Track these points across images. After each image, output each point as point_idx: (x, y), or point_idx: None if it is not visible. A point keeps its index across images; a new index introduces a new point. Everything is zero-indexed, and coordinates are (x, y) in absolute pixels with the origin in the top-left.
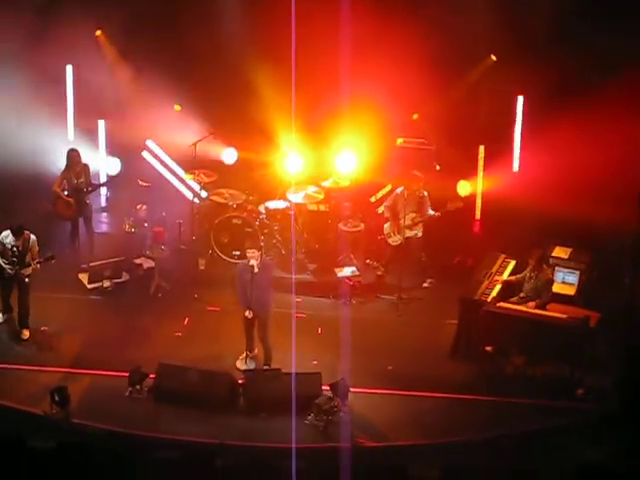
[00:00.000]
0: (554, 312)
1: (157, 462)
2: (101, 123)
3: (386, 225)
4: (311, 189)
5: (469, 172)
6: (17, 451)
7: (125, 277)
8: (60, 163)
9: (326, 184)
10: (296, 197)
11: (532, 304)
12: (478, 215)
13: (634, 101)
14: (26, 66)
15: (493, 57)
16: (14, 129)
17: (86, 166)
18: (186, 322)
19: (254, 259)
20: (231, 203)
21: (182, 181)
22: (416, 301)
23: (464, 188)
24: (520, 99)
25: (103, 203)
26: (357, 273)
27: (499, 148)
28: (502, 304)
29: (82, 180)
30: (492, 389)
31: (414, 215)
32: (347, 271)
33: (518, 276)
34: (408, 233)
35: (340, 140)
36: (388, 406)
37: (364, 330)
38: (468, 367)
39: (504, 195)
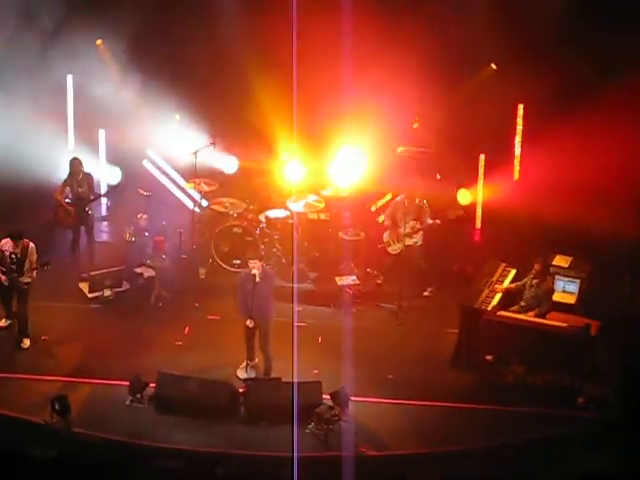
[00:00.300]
0: (554, 321)
1: (157, 471)
2: (101, 132)
3: (386, 234)
4: (311, 198)
5: (469, 180)
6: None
7: (126, 286)
8: (60, 172)
9: (326, 193)
10: (296, 206)
11: (532, 313)
12: (478, 224)
13: (634, 107)
14: (27, 75)
15: (493, 65)
16: (14, 138)
17: (89, 175)
18: (187, 331)
19: (256, 269)
20: (231, 212)
21: (183, 190)
22: (416, 310)
23: (464, 196)
24: (520, 107)
25: (104, 212)
26: (357, 282)
27: (499, 156)
28: (503, 313)
29: (84, 189)
30: (493, 398)
31: (414, 223)
32: (347, 280)
33: (518, 284)
34: (408, 241)
35: (340, 148)
36: (389, 415)
37: (365, 339)
38: (469, 376)
39: (504, 203)
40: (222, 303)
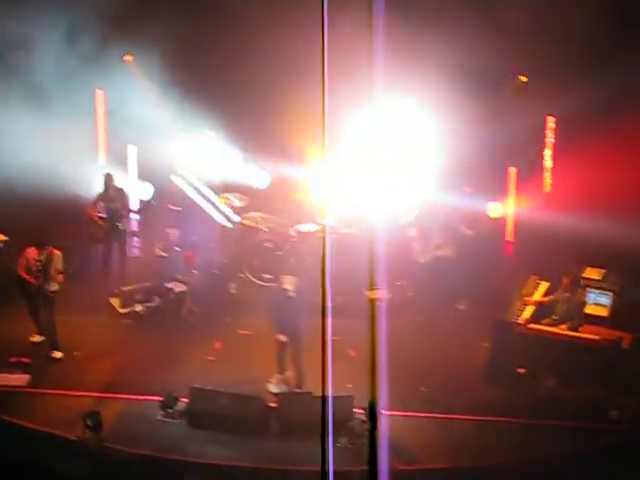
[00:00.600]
0: (587, 334)
1: None
2: (132, 148)
3: (416, 245)
4: (342, 212)
5: (500, 193)
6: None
7: (157, 301)
8: (92, 187)
9: (357, 206)
10: (327, 220)
11: (565, 326)
12: (509, 236)
13: None
14: (59, 91)
15: (523, 78)
16: (46, 154)
17: (122, 190)
18: (218, 346)
19: (288, 284)
20: (262, 227)
21: (213, 205)
22: (449, 323)
23: (495, 209)
24: (551, 120)
25: (134, 227)
26: (389, 295)
27: (530, 169)
28: (535, 326)
29: (116, 204)
30: (525, 411)
31: (444, 235)
32: (379, 293)
33: (550, 297)
34: (439, 253)
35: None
36: (421, 429)
37: (396, 352)
38: (501, 389)
39: (535, 216)
40: (253, 318)
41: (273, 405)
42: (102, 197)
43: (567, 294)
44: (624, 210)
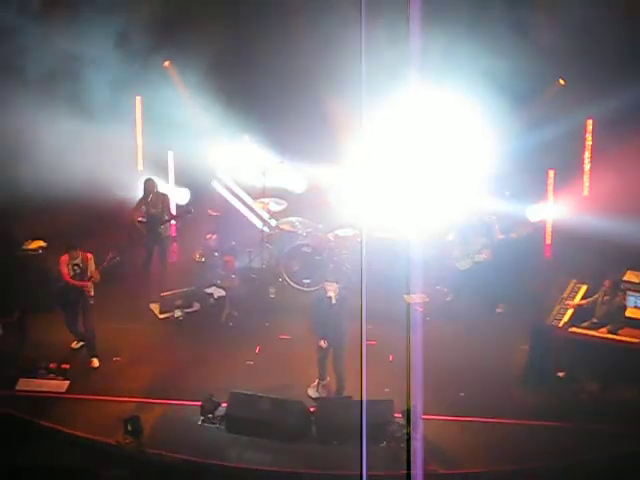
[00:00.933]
0: (627, 337)
1: None
2: (170, 154)
3: (455, 250)
4: (380, 216)
5: (539, 197)
6: None
7: (196, 306)
8: (131, 193)
9: (394, 211)
10: (365, 225)
11: (605, 329)
12: (549, 240)
13: None
14: (99, 97)
15: (562, 81)
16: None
17: (164, 196)
18: (257, 350)
19: (332, 291)
20: (300, 231)
21: (251, 210)
22: (488, 327)
23: (534, 213)
24: (590, 123)
25: (173, 233)
26: (427, 299)
27: (569, 172)
28: (574, 329)
29: (158, 210)
30: (565, 415)
31: (483, 239)
32: (417, 298)
33: (590, 300)
34: (477, 258)
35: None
36: (461, 433)
37: (436, 357)
38: (541, 393)
39: (575, 219)
40: (293, 322)
41: (313, 410)
42: (143, 202)
43: (607, 297)
44: None
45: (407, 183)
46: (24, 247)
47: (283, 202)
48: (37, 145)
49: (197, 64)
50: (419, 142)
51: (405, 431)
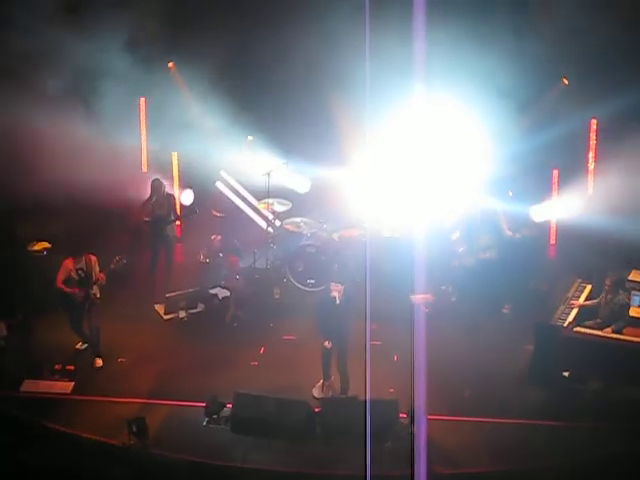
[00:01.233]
0: (631, 336)
1: None
2: (174, 155)
3: (460, 248)
4: (384, 216)
5: (543, 196)
6: None
7: (201, 307)
8: (136, 194)
9: (400, 210)
10: (370, 224)
11: (609, 329)
12: (553, 239)
13: None
14: (99, 99)
15: (565, 81)
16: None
17: (170, 197)
18: (262, 351)
19: (336, 291)
20: (305, 231)
21: (256, 210)
22: (493, 326)
23: (539, 213)
24: (593, 122)
25: (178, 233)
26: (432, 299)
27: (573, 172)
28: (579, 329)
29: (164, 210)
30: (570, 414)
31: (489, 238)
32: (422, 297)
33: (594, 300)
34: (482, 256)
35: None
36: (465, 432)
37: (440, 357)
38: (545, 392)
39: (579, 219)
40: (297, 323)
41: (317, 410)
42: (150, 203)
43: (610, 296)
44: None
45: (412, 182)
46: (29, 248)
47: (287, 202)
48: (40, 147)
49: (201, 65)
50: (424, 142)
51: (409, 431)
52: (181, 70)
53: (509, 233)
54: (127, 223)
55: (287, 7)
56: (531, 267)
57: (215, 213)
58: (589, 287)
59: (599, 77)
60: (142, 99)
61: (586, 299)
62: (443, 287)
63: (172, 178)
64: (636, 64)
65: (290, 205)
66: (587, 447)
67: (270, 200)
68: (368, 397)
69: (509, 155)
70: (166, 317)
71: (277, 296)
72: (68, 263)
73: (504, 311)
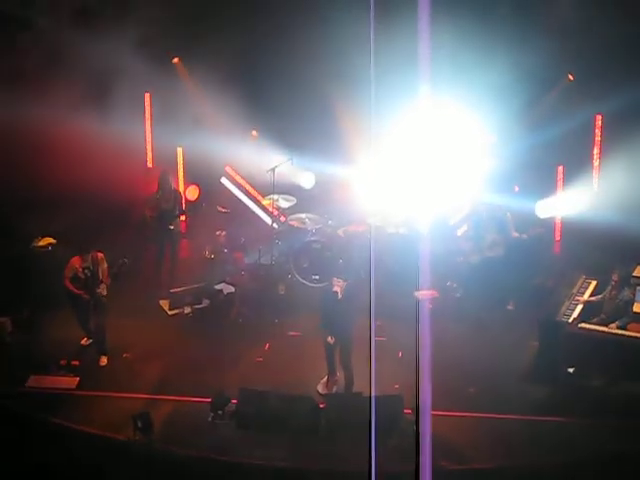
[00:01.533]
0: (636, 332)
1: None
2: (179, 150)
3: (466, 246)
4: (389, 212)
5: (548, 193)
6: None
7: (205, 303)
8: (141, 190)
9: (405, 206)
10: (375, 220)
11: (614, 325)
12: (558, 236)
13: None
14: (106, 94)
15: (570, 77)
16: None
17: (176, 192)
18: (267, 347)
19: (338, 287)
20: (310, 227)
21: (261, 206)
22: (497, 322)
23: (544, 209)
24: (599, 118)
25: (183, 229)
26: (437, 295)
27: (578, 168)
28: (583, 325)
29: (170, 205)
30: (574, 410)
31: (495, 235)
32: (427, 294)
33: (599, 296)
34: (488, 253)
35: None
36: (470, 428)
37: (445, 353)
38: (550, 389)
39: (584, 215)
40: (302, 319)
41: (322, 406)
42: (156, 197)
43: (615, 292)
44: None
45: (417, 178)
46: (34, 244)
47: (292, 198)
48: (45, 142)
49: (207, 61)
50: (429, 138)
51: (415, 427)
52: (187, 66)
53: (516, 235)
54: (132, 218)
55: (293, 5)
56: (536, 263)
57: (220, 209)
58: (594, 283)
59: (605, 73)
60: (147, 94)
61: (591, 295)
62: (448, 283)
63: (177, 174)
64: None
65: (295, 201)
66: (592, 443)
67: (275, 196)
68: (373, 393)
69: (515, 151)
70: (171, 313)
71: (282, 292)
72: (75, 261)
73: (509, 307)
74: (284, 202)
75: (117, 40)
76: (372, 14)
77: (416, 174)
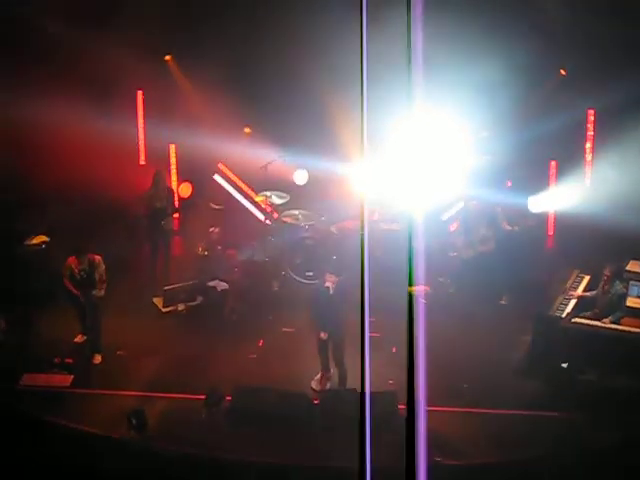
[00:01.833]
0: (630, 327)
1: None
2: (172, 147)
3: (458, 240)
4: (382, 207)
5: (541, 187)
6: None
7: (199, 300)
8: (133, 188)
9: (398, 202)
10: (368, 216)
11: (607, 319)
12: (551, 231)
13: None
14: (98, 91)
15: (563, 72)
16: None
17: (169, 189)
18: (261, 343)
19: (330, 282)
20: (303, 224)
21: (254, 203)
22: (491, 318)
23: (537, 204)
24: (591, 113)
25: (176, 226)
26: (430, 291)
27: (571, 163)
28: (577, 320)
29: (163, 203)
30: (568, 405)
31: (487, 230)
32: (420, 289)
33: (592, 291)
34: (481, 248)
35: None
36: (464, 424)
37: (439, 348)
38: (544, 384)
39: (577, 210)
40: (296, 315)
41: (316, 402)
42: (149, 195)
43: (608, 287)
44: None
45: (409, 174)
46: (27, 242)
47: (285, 195)
48: (37, 140)
49: (199, 58)
50: (421, 134)
51: (409, 422)
52: (179, 63)
53: (507, 228)
54: (125, 216)
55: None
56: (529, 258)
57: (213, 206)
58: (587, 278)
59: (597, 68)
60: (139, 92)
61: (584, 290)
62: (441, 279)
63: (170, 171)
64: (634, 54)
65: (288, 197)
66: (586, 438)
67: (268, 192)
68: (367, 388)
69: (507, 146)
70: (164, 310)
71: (275, 288)
72: (71, 261)
73: (502, 302)
74: (277, 199)
75: (109, 37)
76: (365, 8)
77: (408, 170)
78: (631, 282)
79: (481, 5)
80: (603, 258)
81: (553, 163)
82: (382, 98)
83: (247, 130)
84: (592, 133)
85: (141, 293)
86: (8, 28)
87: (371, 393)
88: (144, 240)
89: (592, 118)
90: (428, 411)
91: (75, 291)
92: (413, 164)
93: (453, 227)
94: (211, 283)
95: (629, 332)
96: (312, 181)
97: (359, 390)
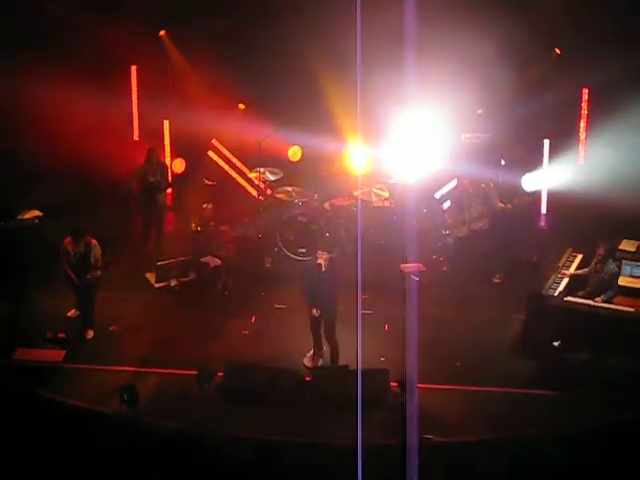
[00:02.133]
0: (622, 305)
1: (226, 460)
2: (166, 123)
3: (452, 219)
4: (376, 185)
5: (534, 166)
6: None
7: (192, 276)
8: (126, 163)
9: (392, 180)
10: (361, 194)
11: (599, 298)
12: (544, 209)
13: None
14: (94, 67)
15: (557, 50)
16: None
17: (163, 165)
18: (253, 320)
19: (322, 259)
20: (297, 201)
21: (247, 179)
22: (484, 296)
23: (529, 182)
24: (585, 92)
25: (169, 202)
26: (423, 269)
27: (565, 141)
28: (569, 298)
29: (156, 179)
30: (560, 384)
31: (480, 208)
32: (413, 267)
33: (585, 270)
34: (474, 226)
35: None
36: (456, 402)
37: (432, 326)
38: (536, 362)
39: (570, 189)
40: (288, 292)
41: (308, 379)
42: (143, 170)
43: (600, 266)
44: None
45: (403, 152)
46: (20, 217)
47: (279, 172)
48: (31, 116)
49: (193, 34)
50: (414, 112)
51: (401, 400)
52: (173, 39)
53: (500, 205)
54: (118, 191)
55: None
56: (522, 237)
57: (207, 182)
58: (580, 257)
59: (592, 46)
60: (134, 67)
61: (577, 269)
62: (434, 257)
63: (164, 147)
64: (628, 33)
65: (281, 174)
66: (577, 416)
67: (262, 169)
68: (359, 366)
69: (502, 124)
70: (157, 285)
71: (268, 265)
72: (67, 243)
73: (495, 281)
74: (270, 175)
75: (103, 13)
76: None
77: (402, 148)
78: (623, 261)
79: None
80: (596, 237)
81: (547, 141)
82: (377, 76)
83: (241, 106)
84: (586, 112)
85: (134, 268)
86: (5, 8)
87: (364, 370)
88: (137, 215)
89: (586, 97)
90: (420, 389)
91: (71, 273)
92: (407, 142)
93: (447, 204)
94: (204, 259)
95: (621, 311)
96: (306, 158)
97: (351, 367)
